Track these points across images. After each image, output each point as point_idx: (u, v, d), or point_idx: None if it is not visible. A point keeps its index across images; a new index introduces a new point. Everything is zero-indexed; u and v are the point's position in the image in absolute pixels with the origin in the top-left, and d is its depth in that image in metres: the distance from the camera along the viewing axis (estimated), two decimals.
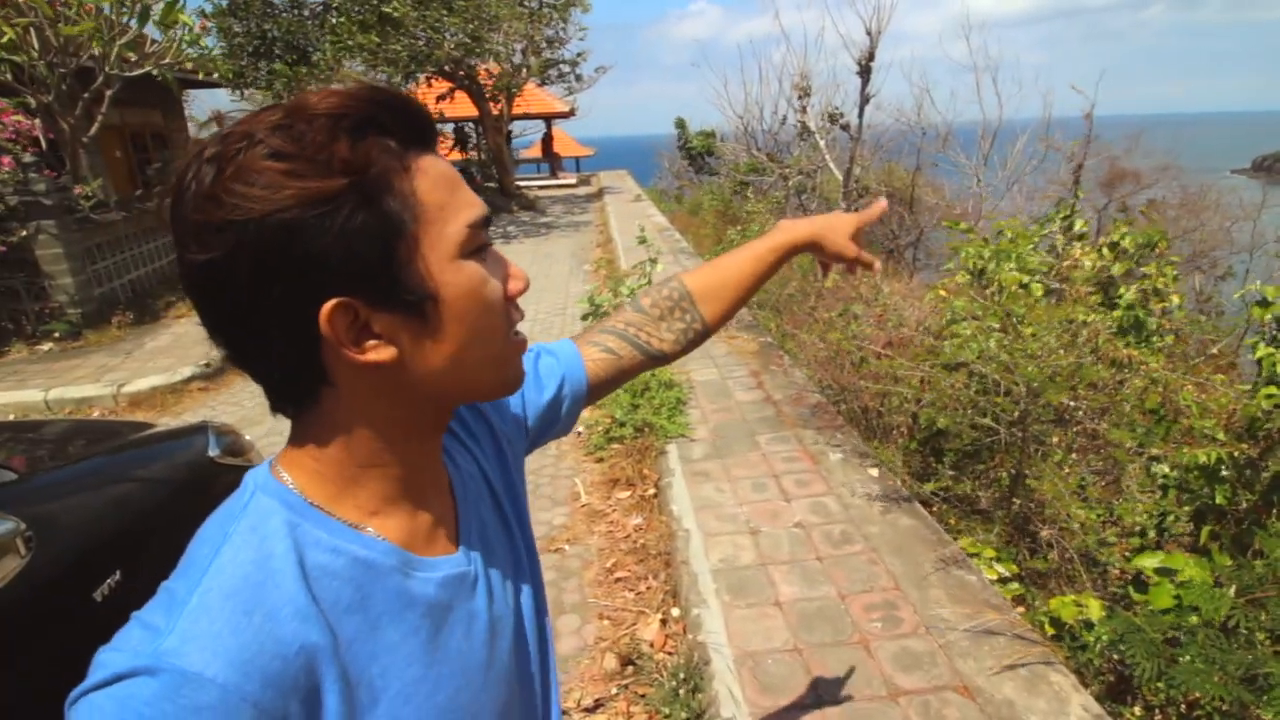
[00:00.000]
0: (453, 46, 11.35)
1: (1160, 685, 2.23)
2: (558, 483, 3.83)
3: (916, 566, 2.71)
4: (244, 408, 5.04)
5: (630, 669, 2.51)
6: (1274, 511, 2.31)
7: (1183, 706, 2.34)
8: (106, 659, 0.42)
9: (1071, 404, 2.42)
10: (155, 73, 7.46)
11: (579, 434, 4.41)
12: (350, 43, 10.64)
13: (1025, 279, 2.87)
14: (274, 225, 0.44)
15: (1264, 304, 2.37)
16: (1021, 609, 2.72)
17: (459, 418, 0.71)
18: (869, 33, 10.37)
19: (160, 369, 5.55)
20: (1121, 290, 3.01)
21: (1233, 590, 2.39)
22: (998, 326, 2.59)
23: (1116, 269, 2.83)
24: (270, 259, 0.45)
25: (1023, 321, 2.48)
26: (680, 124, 20.13)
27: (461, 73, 12.99)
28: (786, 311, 5.87)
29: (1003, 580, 2.78)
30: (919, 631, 2.41)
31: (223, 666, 0.42)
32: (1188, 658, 2.17)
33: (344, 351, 0.48)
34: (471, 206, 0.52)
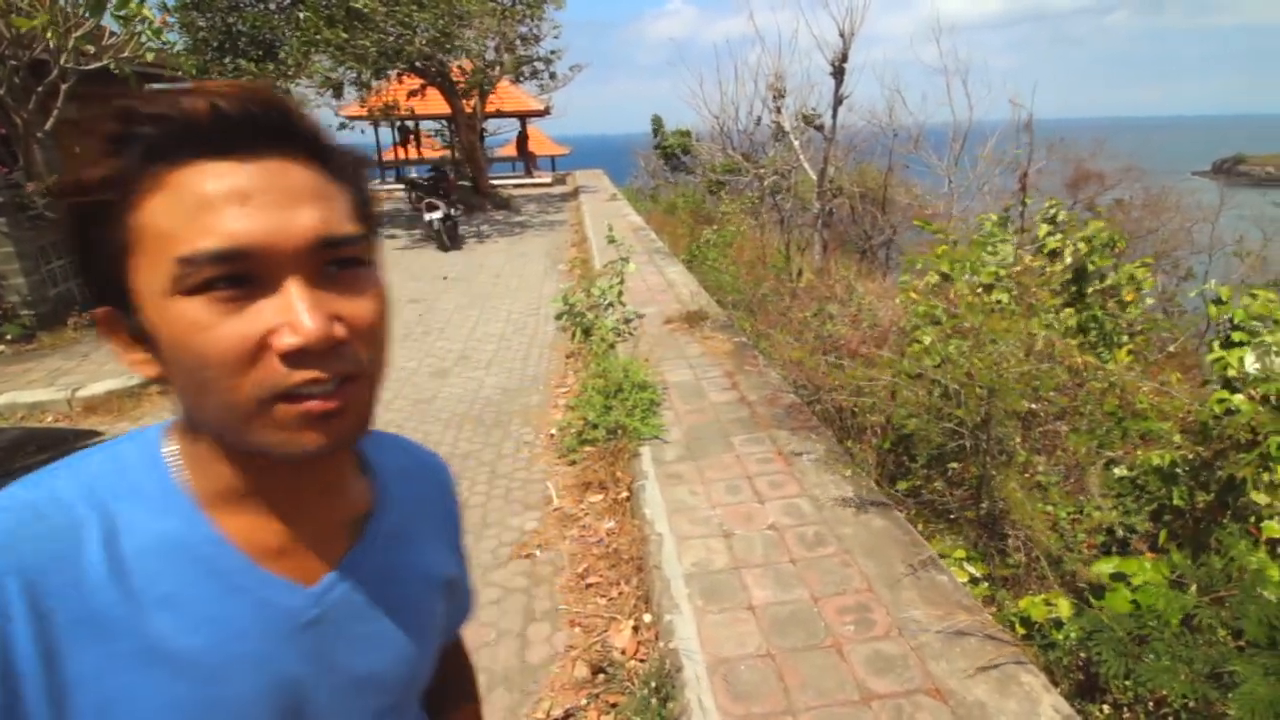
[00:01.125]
0: (424, 42, 11.18)
1: (1128, 683, 2.25)
2: (529, 487, 3.78)
3: (889, 568, 2.71)
4: None
5: (601, 677, 2.47)
6: (1229, 512, 2.34)
7: (1150, 704, 2.37)
8: None
9: (1033, 407, 2.43)
10: (113, 67, 7.23)
11: (551, 436, 4.36)
12: (318, 38, 10.42)
13: (991, 279, 2.89)
14: (68, 215, 0.46)
15: (1219, 302, 2.40)
16: (993, 609, 2.73)
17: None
18: (842, 34, 10.42)
19: (117, 373, 5.37)
20: (1091, 288, 3.05)
21: (1194, 589, 2.42)
22: (953, 332, 2.59)
23: (1098, 260, 2.85)
24: (74, 248, 0.48)
25: (981, 329, 2.48)
26: (656, 122, 20.12)
27: (433, 69, 12.82)
28: (761, 311, 5.86)
29: (974, 581, 2.79)
30: (891, 634, 2.40)
31: None
32: (1154, 656, 2.19)
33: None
34: (205, 235, 0.43)
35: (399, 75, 13.57)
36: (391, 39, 10.98)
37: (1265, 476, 2.24)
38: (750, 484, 3.36)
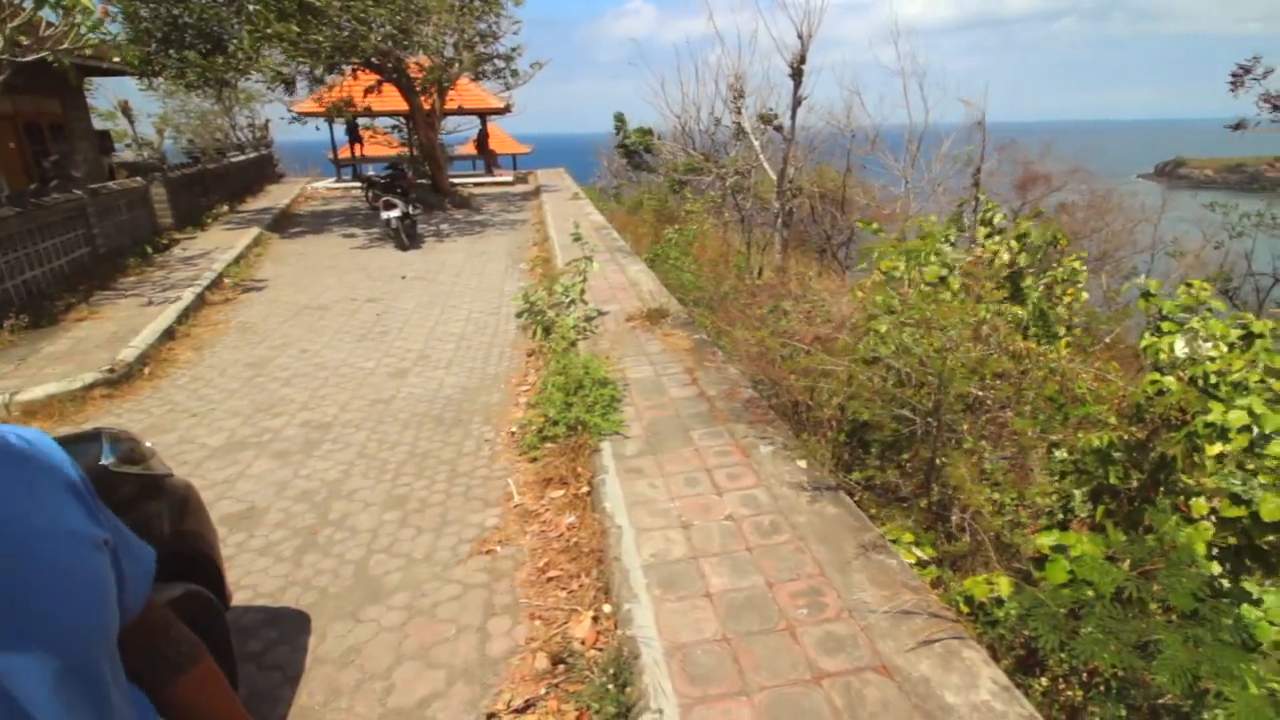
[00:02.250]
0: (379, 38, 11.00)
1: (1064, 656, 2.37)
2: (490, 484, 3.77)
3: (841, 553, 2.79)
4: (152, 415, 4.75)
5: (561, 668, 2.49)
6: (1161, 489, 2.48)
7: (1085, 675, 2.49)
8: None
9: (980, 394, 2.53)
10: (51, 59, 6.95)
11: (512, 433, 4.36)
12: (269, 31, 10.17)
13: (944, 272, 3.00)
14: None
15: (1147, 295, 2.54)
16: (939, 590, 2.83)
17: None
18: (800, 36, 10.60)
19: (58, 375, 5.18)
20: (1028, 282, 3.18)
21: (1127, 564, 2.55)
22: (911, 322, 2.69)
23: (1023, 259, 2.99)
24: None
25: (932, 318, 2.58)
26: (619, 119, 20.12)
27: (390, 65, 12.62)
28: (721, 309, 5.94)
29: (922, 564, 2.89)
30: (842, 616, 2.48)
31: None
32: (1088, 629, 2.31)
33: None
34: None
35: (354, 71, 13.33)
36: (346, 34, 10.78)
37: (1195, 457, 2.38)
38: (709, 476, 3.41)
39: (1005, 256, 3.07)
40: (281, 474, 3.95)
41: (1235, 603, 2.53)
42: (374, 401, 4.95)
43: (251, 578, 3.06)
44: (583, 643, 2.59)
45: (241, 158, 16.59)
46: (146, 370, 5.58)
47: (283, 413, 4.78)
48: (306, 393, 5.12)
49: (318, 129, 16.61)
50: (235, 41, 11.00)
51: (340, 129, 17.95)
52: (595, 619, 2.69)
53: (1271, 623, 2.51)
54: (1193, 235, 11.92)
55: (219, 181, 13.77)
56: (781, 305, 4.23)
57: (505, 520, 3.42)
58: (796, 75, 10.61)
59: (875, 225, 5.01)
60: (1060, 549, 2.39)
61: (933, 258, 3.09)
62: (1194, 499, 2.46)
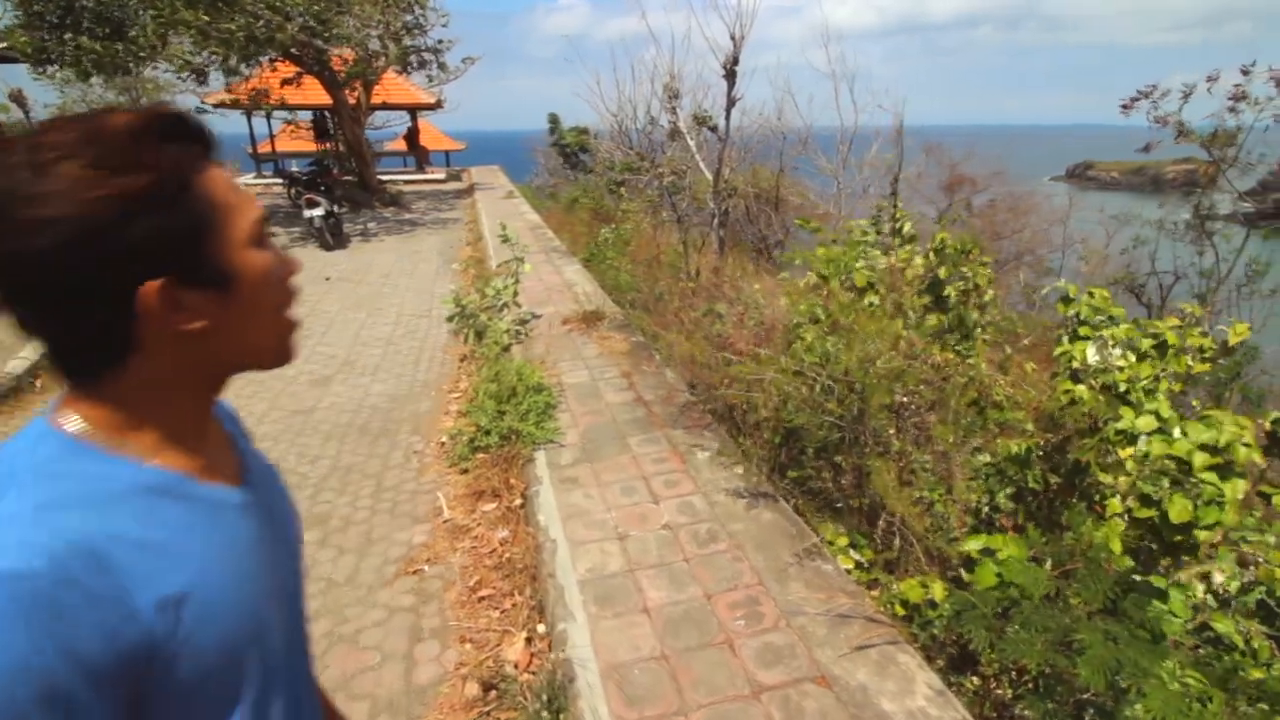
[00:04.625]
0: (297, 29, 10.47)
1: (994, 655, 2.41)
2: (418, 499, 3.60)
3: (777, 560, 2.77)
4: None
5: (493, 694, 2.38)
6: (1076, 492, 2.56)
7: (1014, 673, 2.54)
8: None
9: (904, 400, 2.55)
10: None
11: (442, 444, 4.18)
12: (175, 18, 9.52)
13: (870, 277, 3.02)
14: (94, 222, 0.53)
15: (1068, 300, 2.62)
16: (875, 593, 2.86)
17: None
18: (733, 38, 10.68)
19: None
20: (949, 291, 3.24)
21: (1049, 564, 2.63)
22: (830, 330, 2.70)
23: (943, 272, 3.05)
24: (93, 251, 0.53)
25: (853, 328, 2.59)
26: (553, 120, 19.87)
27: (310, 57, 12.04)
28: (657, 311, 5.90)
29: (860, 566, 2.90)
30: (780, 625, 2.45)
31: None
32: (1014, 628, 2.36)
33: (161, 324, 0.58)
34: (255, 206, 0.65)
35: (272, 62, 12.67)
36: (261, 23, 10.22)
37: (1108, 459, 2.45)
38: (646, 484, 3.35)
39: (919, 266, 3.12)
40: None
41: (1148, 598, 2.64)
42: (294, 412, 4.67)
43: None
44: (516, 666, 2.48)
45: None
46: (38, 383, 5.11)
47: None
48: None
49: (226, 118, 15.72)
50: (138, 28, 10.26)
51: (261, 122, 17.06)
52: (529, 640, 2.58)
53: (1175, 615, 2.63)
54: (1099, 235, 12.66)
55: None
56: (715, 309, 4.21)
57: (434, 537, 3.26)
58: (730, 76, 10.69)
59: (815, 224, 5.06)
60: (988, 552, 2.43)
61: (859, 264, 3.11)
62: (1108, 499, 2.55)
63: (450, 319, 5.56)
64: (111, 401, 0.61)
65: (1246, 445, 2.60)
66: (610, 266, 8.63)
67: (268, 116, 15.81)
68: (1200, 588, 2.84)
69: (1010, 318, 3.14)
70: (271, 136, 17.89)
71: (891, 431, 2.85)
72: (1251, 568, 2.86)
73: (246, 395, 4.95)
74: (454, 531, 3.30)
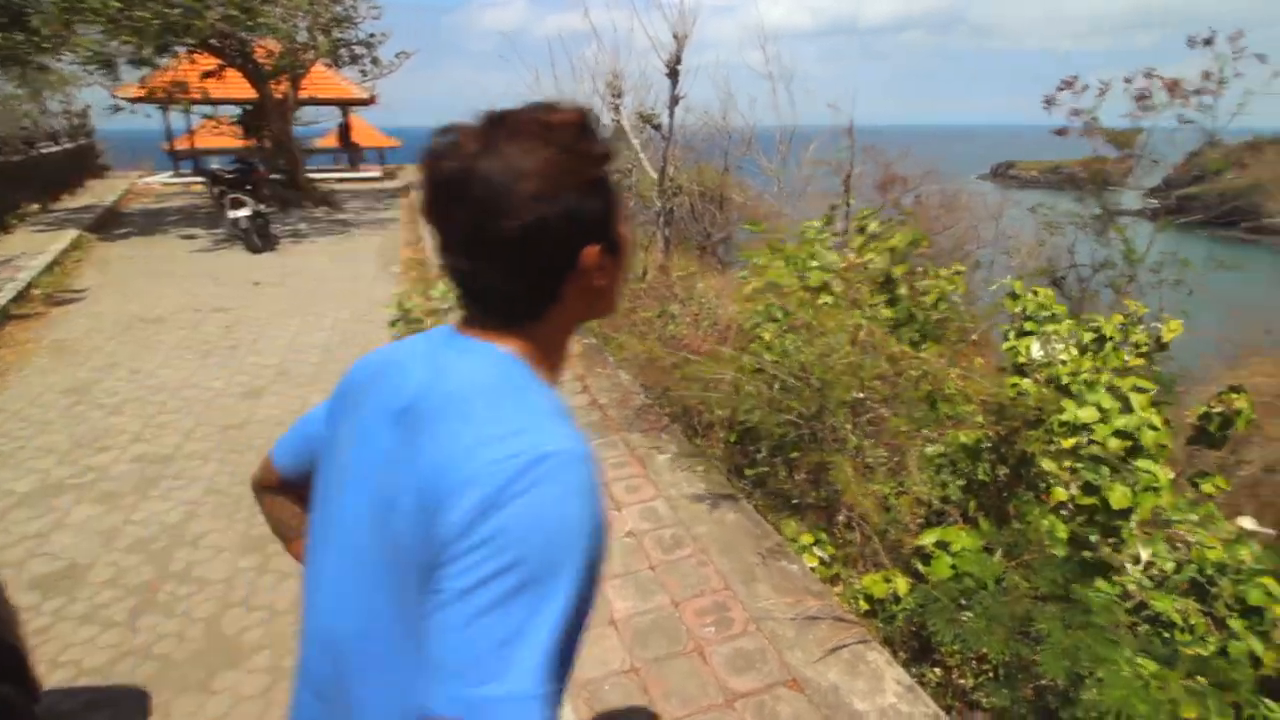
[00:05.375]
0: (217, 18, 9.90)
1: (956, 646, 2.45)
2: None
3: (743, 562, 2.75)
4: None
5: None
6: (1024, 483, 2.63)
7: (975, 662, 2.60)
8: (546, 442, 0.65)
9: (860, 395, 2.57)
10: None
11: None
12: (82, 6, 8.85)
13: (826, 277, 3.04)
14: (570, 199, 0.67)
15: (1014, 296, 2.70)
16: (839, 589, 2.87)
17: None
18: (675, 36, 10.69)
19: None
20: (900, 288, 3.30)
21: (1000, 553, 2.70)
22: (789, 328, 2.70)
23: (897, 271, 3.10)
24: (567, 223, 0.67)
25: (814, 324, 2.60)
26: None
27: (232, 49, 11.42)
28: None
29: (823, 563, 2.91)
30: (749, 630, 2.43)
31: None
32: (973, 617, 2.40)
33: (585, 281, 0.71)
34: None
35: (190, 53, 11.96)
36: (177, 11, 9.61)
37: (1053, 450, 2.53)
38: (607, 490, 3.28)
39: (881, 264, 3.17)
40: (109, 520, 3.39)
41: (1092, 579, 2.75)
42: (224, 427, 4.39)
43: (73, 651, 2.58)
44: None
45: (55, 149, 14.46)
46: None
47: (110, 446, 4.13)
48: (140, 421, 4.46)
49: (148, 117, 14.81)
50: (40, 16, 9.50)
51: (180, 116, 16.08)
52: None
53: (1113, 592, 2.74)
54: (1023, 231, 13.25)
55: (25, 176, 11.90)
56: (669, 310, 4.17)
57: None
58: (673, 75, 10.69)
59: (762, 226, 5.09)
60: (943, 545, 2.47)
61: (812, 263, 3.13)
62: (1053, 488, 2.64)
63: (393, 324, 5.34)
64: (532, 340, 0.74)
65: (1154, 429, 2.72)
66: None
67: (186, 111, 14.92)
68: (1136, 569, 2.97)
69: (960, 314, 3.21)
70: (190, 132, 16.92)
71: (849, 427, 2.87)
72: (1182, 546, 3.01)
73: (170, 410, 4.63)
74: None
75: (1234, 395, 3.36)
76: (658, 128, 11.65)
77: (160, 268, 8.70)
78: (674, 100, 10.66)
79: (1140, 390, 2.57)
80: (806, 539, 2.87)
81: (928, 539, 2.62)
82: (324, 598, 0.75)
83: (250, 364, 5.49)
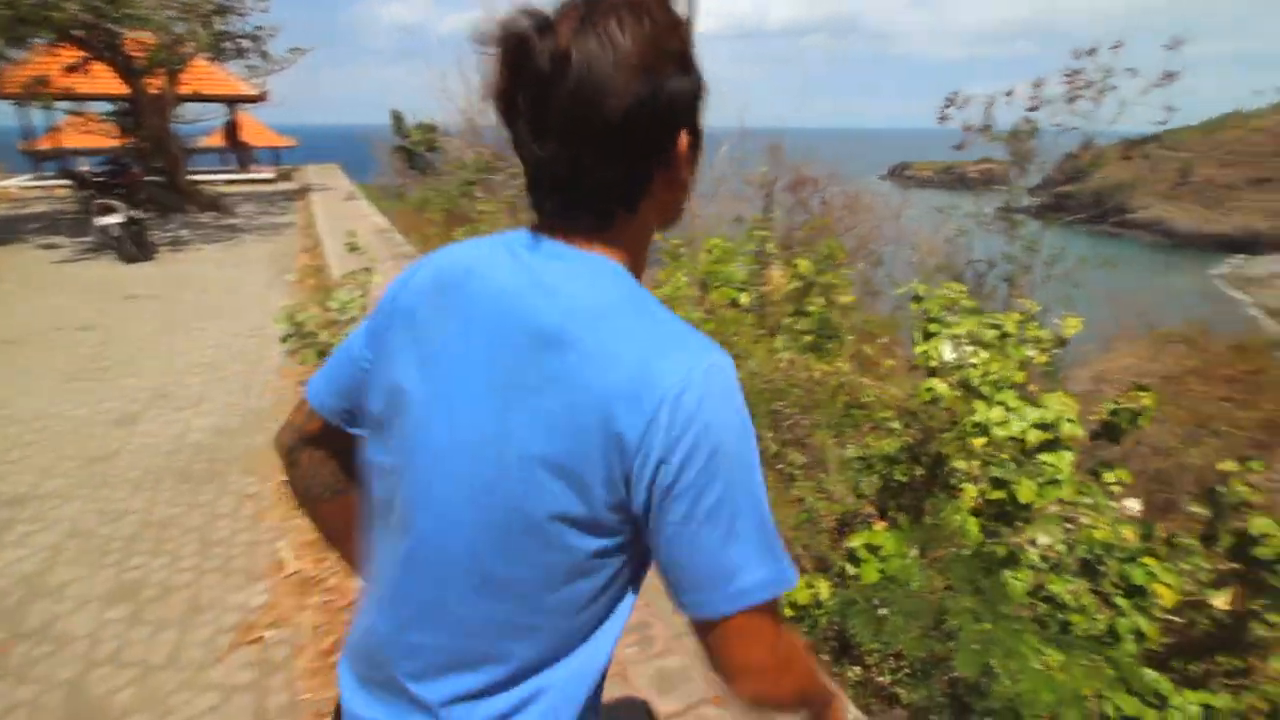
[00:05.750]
0: (79, 7, 8.98)
1: (875, 645, 2.47)
2: (256, 551, 3.14)
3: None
4: None
5: None
6: (939, 483, 2.70)
7: (893, 659, 2.64)
8: (703, 352, 0.64)
9: (780, 406, 2.56)
10: None
11: (283, 482, 3.70)
12: None
13: (734, 295, 3.03)
14: (671, 77, 0.65)
15: (918, 299, 2.76)
16: None
17: None
18: None
19: None
20: (810, 301, 3.33)
21: (916, 550, 2.76)
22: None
23: (821, 277, 3.13)
24: (667, 102, 0.65)
25: (733, 342, 2.58)
26: (397, 118, 18.72)
27: (99, 40, 10.42)
28: None
29: None
30: (672, 648, 2.37)
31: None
32: (892, 615, 2.44)
33: (675, 173, 0.70)
34: None
35: (51, 45, 10.84)
36: (31, 1, 8.66)
37: (966, 450, 2.60)
38: None
39: (793, 284, 3.18)
40: None
41: (1000, 567, 2.85)
42: (91, 460, 3.94)
43: None
44: None
45: None
46: None
47: None
48: None
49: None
50: None
51: (42, 113, 14.53)
52: None
53: (1019, 580, 2.86)
54: (923, 228, 13.96)
55: None
56: None
57: (276, 595, 2.85)
58: None
59: (676, 242, 5.07)
60: (871, 548, 2.49)
61: (717, 282, 3.11)
62: (965, 486, 2.72)
63: (285, 339, 4.97)
64: (624, 248, 0.70)
65: (1070, 421, 2.87)
66: None
67: (48, 108, 13.51)
68: (1035, 553, 3.11)
69: (870, 320, 3.27)
70: (54, 130, 15.37)
71: (769, 435, 2.86)
72: (1074, 529, 3.17)
73: (24, 443, 4.12)
74: (301, 586, 2.90)
75: (1141, 393, 3.57)
76: None
77: (15, 281, 7.81)
78: None
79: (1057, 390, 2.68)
80: None
81: (856, 542, 2.64)
82: (433, 520, 0.69)
83: (123, 387, 4.98)
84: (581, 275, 0.67)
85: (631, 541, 0.69)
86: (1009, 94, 9.10)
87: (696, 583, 0.65)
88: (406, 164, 17.81)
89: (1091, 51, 8.55)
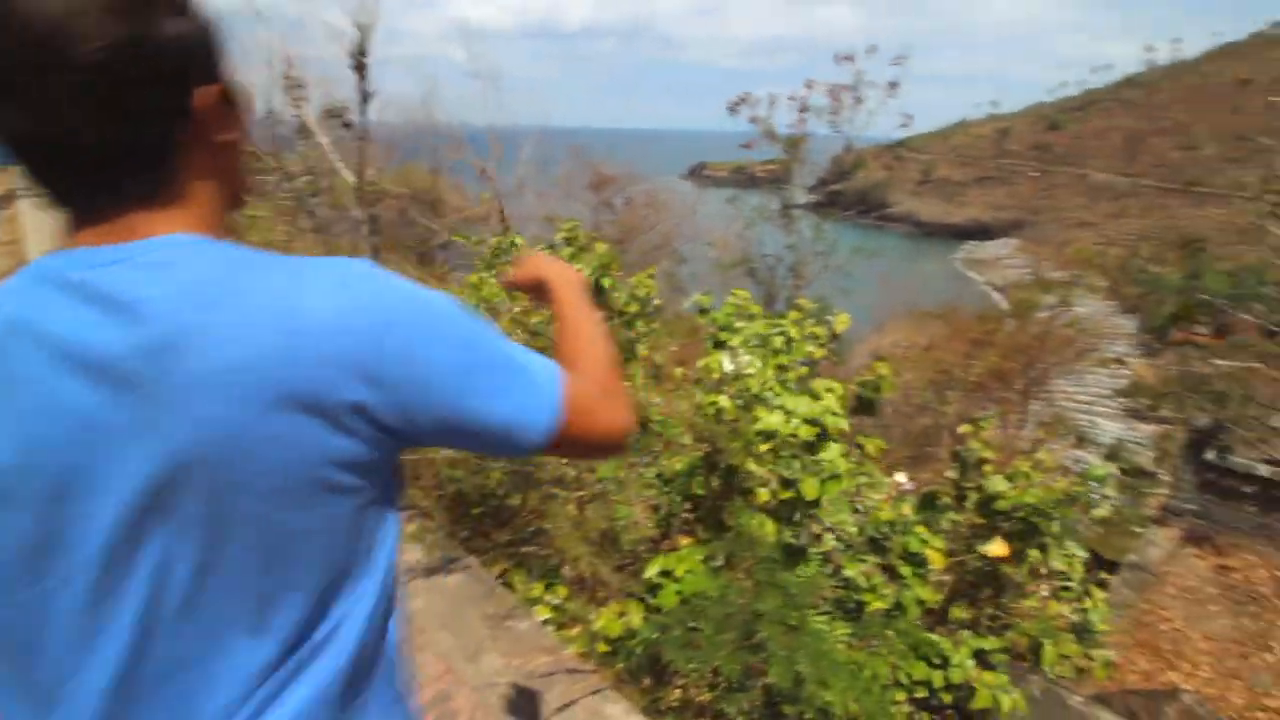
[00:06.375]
0: None
1: (692, 667, 2.43)
2: None
3: (468, 635, 2.43)
4: None
5: None
6: (735, 490, 2.73)
7: (711, 674, 2.62)
8: (334, 268, 0.59)
9: None
10: None
11: None
12: None
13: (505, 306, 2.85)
14: (160, 18, 0.55)
15: (704, 311, 2.78)
16: (578, 630, 2.71)
17: None
18: (358, 26, 9.71)
19: None
20: (609, 298, 3.25)
21: (722, 559, 2.78)
22: None
23: (607, 282, 3.03)
24: (161, 47, 0.55)
25: None
26: None
27: None
28: None
29: (558, 609, 2.72)
30: (476, 716, 2.13)
31: None
32: (701, 633, 2.41)
33: (208, 132, 0.60)
34: None
35: None
36: None
37: (752, 455, 2.64)
38: None
39: (587, 275, 3.06)
40: None
41: (797, 561, 2.98)
42: None
43: None
44: None
45: None
46: None
47: None
48: None
49: None
50: None
51: None
52: None
53: (819, 571, 3.02)
54: (720, 226, 14.83)
55: None
56: None
57: None
58: (360, 67, 9.74)
59: (471, 239, 4.75)
60: (667, 573, 2.45)
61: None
62: (757, 490, 2.79)
63: None
64: (191, 219, 0.60)
65: (835, 414, 3.05)
66: None
67: None
68: (830, 539, 3.31)
69: (659, 330, 3.25)
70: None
71: (565, 461, 2.71)
72: (863, 510, 3.42)
73: None
74: None
75: (878, 364, 3.91)
76: (349, 125, 10.55)
77: None
78: (364, 95, 9.75)
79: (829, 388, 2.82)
80: (537, 590, 2.65)
81: (652, 570, 2.58)
82: (99, 647, 0.55)
83: None
84: (160, 266, 0.56)
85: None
86: (792, 98, 9.94)
87: (505, 426, 0.63)
88: None
89: (849, 58, 9.60)
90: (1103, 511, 3.49)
